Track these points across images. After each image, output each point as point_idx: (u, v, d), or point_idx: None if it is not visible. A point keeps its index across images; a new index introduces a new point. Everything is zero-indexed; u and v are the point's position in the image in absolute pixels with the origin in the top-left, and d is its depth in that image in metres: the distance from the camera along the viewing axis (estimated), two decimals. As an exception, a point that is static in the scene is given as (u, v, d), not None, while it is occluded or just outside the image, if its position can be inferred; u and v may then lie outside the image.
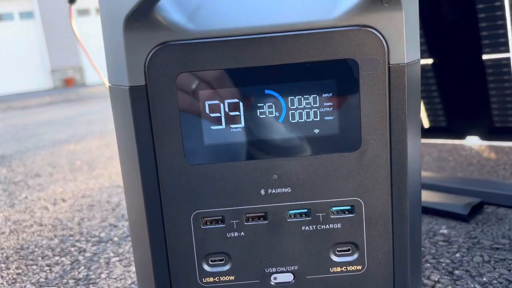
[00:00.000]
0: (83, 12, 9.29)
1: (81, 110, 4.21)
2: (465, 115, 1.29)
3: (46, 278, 0.77)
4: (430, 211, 0.89)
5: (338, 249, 0.45)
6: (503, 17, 1.07)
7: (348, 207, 0.44)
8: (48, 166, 1.72)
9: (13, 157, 1.98)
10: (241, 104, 0.42)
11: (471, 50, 1.16)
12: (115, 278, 0.75)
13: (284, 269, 0.46)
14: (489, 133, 1.27)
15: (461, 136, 1.34)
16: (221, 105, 0.42)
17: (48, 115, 4.00)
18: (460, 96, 1.27)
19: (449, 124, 1.32)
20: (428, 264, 0.70)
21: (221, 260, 0.45)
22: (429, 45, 1.22)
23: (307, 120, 0.42)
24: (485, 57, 1.15)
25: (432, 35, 1.20)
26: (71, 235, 0.97)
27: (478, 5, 1.08)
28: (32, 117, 3.95)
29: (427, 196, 0.92)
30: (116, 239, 0.93)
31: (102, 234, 0.96)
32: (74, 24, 1.42)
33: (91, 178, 1.47)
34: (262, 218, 0.45)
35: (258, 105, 0.42)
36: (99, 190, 1.31)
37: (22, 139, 2.56)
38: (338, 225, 0.44)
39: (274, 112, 0.42)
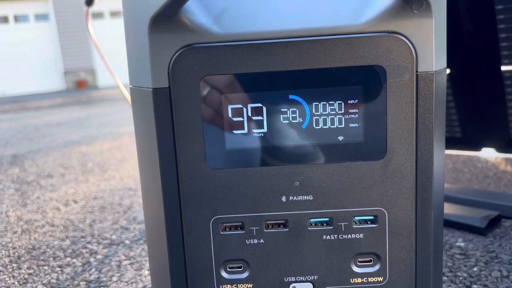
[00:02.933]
0: (97, 16, 9.39)
1: (93, 112, 4.24)
2: (481, 126, 1.27)
3: (57, 279, 0.77)
4: (446, 223, 0.87)
5: (359, 259, 0.44)
6: (523, 28, 1.05)
7: (371, 217, 0.43)
8: (60, 167, 1.73)
9: (26, 157, 2.00)
10: (264, 108, 0.42)
11: (489, 60, 1.15)
12: (126, 282, 0.74)
13: (303, 279, 0.45)
14: (506, 145, 1.25)
15: (477, 147, 1.32)
16: (244, 109, 0.42)
17: (60, 116, 4.03)
18: (476, 107, 1.25)
19: (465, 135, 1.30)
20: (445, 278, 0.68)
21: (240, 267, 0.45)
22: (447, 55, 1.21)
23: (332, 126, 0.42)
24: (503, 68, 1.14)
25: (450, 44, 1.19)
26: (82, 237, 0.97)
27: (498, 15, 1.07)
28: (45, 118, 3.99)
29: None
30: (127, 242, 0.92)
31: (114, 237, 0.96)
32: (90, 26, 1.43)
33: (103, 180, 1.47)
34: (282, 226, 0.44)
35: (282, 110, 0.42)
36: (110, 192, 1.31)
37: (35, 139, 2.57)
38: (360, 235, 0.43)
39: (297, 117, 0.42)
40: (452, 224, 0.87)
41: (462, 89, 1.24)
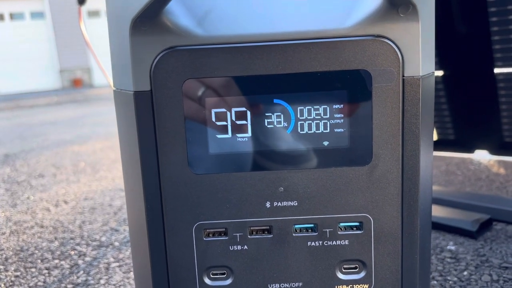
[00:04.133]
0: (94, 14, 9.36)
1: (88, 111, 4.22)
2: (475, 128, 1.27)
3: (44, 282, 0.76)
4: (437, 226, 0.87)
5: (344, 266, 0.44)
6: (516, 31, 1.05)
7: (357, 223, 0.43)
8: (52, 167, 1.71)
9: (18, 157, 1.98)
10: (248, 113, 0.41)
11: (482, 63, 1.15)
12: (114, 285, 0.74)
13: (287, 286, 0.44)
14: (499, 148, 1.24)
15: (470, 149, 1.32)
16: (228, 113, 0.41)
17: (55, 115, 4.01)
18: (470, 109, 1.25)
19: (458, 137, 1.30)
20: (435, 282, 0.68)
21: (223, 274, 0.44)
22: (440, 57, 1.21)
23: (317, 131, 0.41)
24: (496, 70, 1.13)
25: (443, 47, 1.18)
26: (71, 238, 0.96)
27: (491, 18, 1.07)
28: (39, 116, 3.97)
29: (435, 211, 0.90)
30: (117, 244, 0.91)
31: (103, 238, 0.95)
32: (82, 25, 1.41)
33: (94, 180, 1.46)
34: (266, 232, 0.43)
35: (266, 114, 0.41)
36: (101, 193, 1.30)
37: (28, 138, 2.56)
38: (346, 241, 0.43)
39: (282, 122, 0.41)
40: (443, 227, 0.87)
41: (455, 91, 1.24)
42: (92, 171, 1.61)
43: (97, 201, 1.23)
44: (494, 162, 1.35)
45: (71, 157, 1.88)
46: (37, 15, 9.54)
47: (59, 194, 1.32)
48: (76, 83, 9.62)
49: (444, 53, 1.20)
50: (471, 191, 1.09)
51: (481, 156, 1.38)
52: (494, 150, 1.26)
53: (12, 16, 9.47)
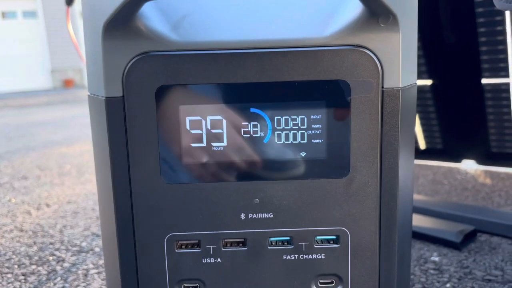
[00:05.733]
0: (87, 14, 9.30)
1: (78, 112, 4.18)
2: (462, 138, 1.27)
3: (19, 289, 0.74)
4: (421, 236, 0.86)
5: (320, 281, 0.43)
6: (504, 42, 1.05)
7: (333, 237, 0.42)
8: (37, 169, 1.69)
9: (2, 157, 1.95)
10: (224, 121, 0.40)
11: (470, 73, 1.15)
12: (91, 292, 0.72)
13: None
14: (485, 158, 1.25)
15: (457, 159, 1.32)
16: (203, 121, 0.40)
17: (44, 115, 3.97)
18: (457, 119, 1.25)
19: (446, 146, 1.30)
20: (417, 294, 0.67)
21: (195, 287, 0.43)
22: (428, 66, 1.21)
23: (294, 142, 0.40)
24: (484, 81, 1.14)
25: (432, 56, 1.18)
26: (51, 243, 0.94)
27: (479, 28, 1.07)
28: (28, 116, 3.92)
29: (419, 221, 0.90)
30: (97, 249, 0.89)
31: (83, 244, 0.93)
32: (70, 26, 1.40)
33: (79, 183, 1.44)
34: (241, 244, 0.42)
35: (243, 123, 0.40)
36: (85, 197, 1.28)
37: (14, 138, 2.52)
38: (322, 255, 0.42)
39: (259, 132, 0.40)
40: (427, 238, 0.86)
41: (443, 101, 1.24)
42: (77, 174, 1.58)
43: (80, 205, 1.20)
44: (481, 172, 1.35)
45: (58, 159, 1.86)
46: (29, 14, 9.47)
47: (41, 197, 1.29)
48: (68, 84, 9.54)
49: (433, 63, 1.20)
50: (457, 201, 1.09)
51: (468, 165, 1.38)
52: (481, 160, 1.26)
53: (4, 15, 9.39)
